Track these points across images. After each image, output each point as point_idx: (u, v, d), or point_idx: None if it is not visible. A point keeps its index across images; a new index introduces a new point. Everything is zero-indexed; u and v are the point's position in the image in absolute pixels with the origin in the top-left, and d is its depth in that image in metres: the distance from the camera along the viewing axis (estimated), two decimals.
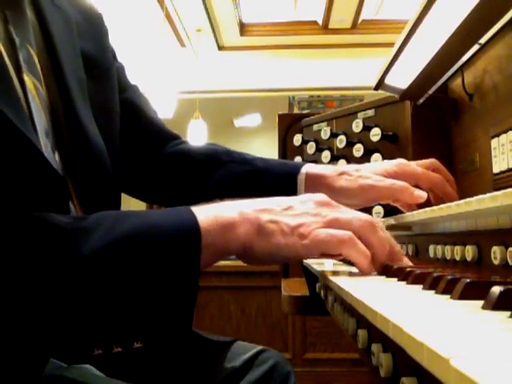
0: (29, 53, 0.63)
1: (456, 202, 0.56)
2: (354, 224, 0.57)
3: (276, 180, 0.83)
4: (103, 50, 0.80)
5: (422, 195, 0.79)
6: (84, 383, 0.59)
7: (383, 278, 0.58)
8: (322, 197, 0.60)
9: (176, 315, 0.51)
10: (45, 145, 0.61)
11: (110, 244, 0.49)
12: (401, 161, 0.86)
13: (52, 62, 0.67)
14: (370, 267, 0.57)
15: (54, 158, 0.63)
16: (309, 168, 0.83)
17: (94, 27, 0.79)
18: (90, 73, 0.73)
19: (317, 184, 0.82)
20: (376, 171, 0.83)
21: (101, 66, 0.78)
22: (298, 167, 0.83)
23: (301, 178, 0.82)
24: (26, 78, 0.61)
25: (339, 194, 0.80)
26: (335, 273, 0.65)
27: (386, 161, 0.88)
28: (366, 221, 0.58)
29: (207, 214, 0.53)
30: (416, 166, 0.86)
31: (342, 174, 0.82)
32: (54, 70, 0.67)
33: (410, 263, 0.63)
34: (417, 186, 0.83)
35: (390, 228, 0.89)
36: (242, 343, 0.82)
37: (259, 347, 0.81)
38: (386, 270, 0.59)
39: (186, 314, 0.51)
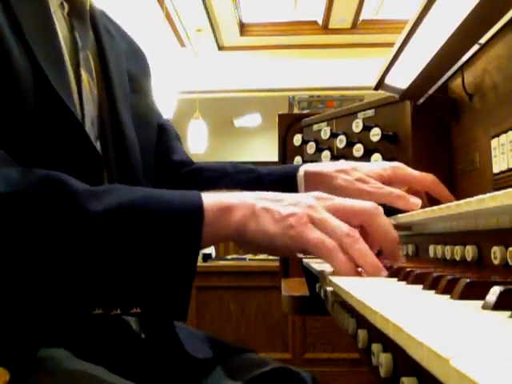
0: (87, 56, 0.75)
1: (456, 202, 0.56)
2: (341, 232, 0.58)
3: (277, 181, 0.87)
4: (145, 75, 0.92)
5: (417, 202, 0.81)
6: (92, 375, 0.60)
7: (383, 277, 0.58)
8: (320, 193, 0.63)
9: (175, 284, 0.53)
10: (89, 132, 0.69)
11: (119, 207, 0.54)
12: (397, 164, 0.88)
13: (103, 72, 0.77)
14: (350, 273, 0.57)
15: (96, 145, 0.71)
16: (307, 167, 0.87)
17: (137, 56, 0.92)
18: (133, 87, 0.83)
19: (316, 182, 0.85)
20: (372, 173, 0.84)
21: (142, 84, 0.88)
22: (296, 167, 0.87)
23: (300, 175, 0.85)
24: (83, 73, 0.71)
25: (337, 193, 0.82)
26: (335, 272, 0.65)
27: (383, 162, 0.90)
28: (348, 234, 0.58)
29: (211, 197, 0.58)
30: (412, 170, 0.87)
31: (339, 171, 0.84)
32: (105, 79, 0.77)
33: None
34: (411, 191, 0.85)
35: None
36: (253, 355, 0.83)
37: (277, 364, 0.79)
38: (386, 270, 0.59)
39: (185, 285, 0.54)
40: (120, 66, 0.82)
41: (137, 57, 0.91)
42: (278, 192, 0.63)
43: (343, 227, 0.59)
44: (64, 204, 0.52)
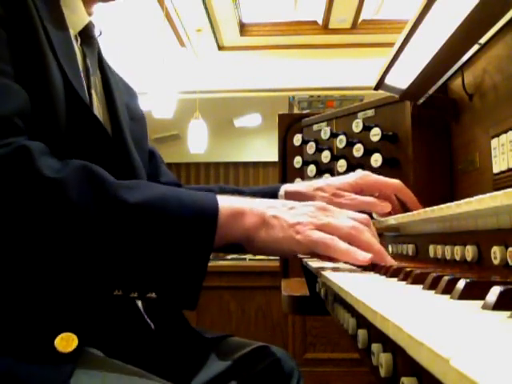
0: (96, 80, 0.83)
1: (456, 202, 0.56)
2: (343, 230, 0.66)
3: None
4: (137, 107, 1.00)
5: (387, 206, 0.92)
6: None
7: (383, 277, 0.58)
8: (321, 203, 0.69)
9: (189, 276, 0.59)
10: None
11: (151, 199, 0.60)
12: (364, 173, 0.99)
13: (107, 97, 0.85)
14: (355, 260, 0.64)
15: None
16: (287, 187, 0.98)
17: (131, 94, 1.01)
18: (130, 116, 0.91)
19: (296, 200, 0.90)
20: (344, 186, 0.95)
21: (136, 113, 0.96)
22: (277, 187, 0.98)
23: (281, 194, 0.96)
24: (94, 95, 0.80)
25: None
26: (335, 272, 0.65)
27: (351, 173, 1.00)
28: (353, 227, 0.66)
29: (226, 201, 0.64)
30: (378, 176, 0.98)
31: (316, 189, 0.95)
32: (108, 103, 0.84)
33: (394, 262, 0.67)
34: (381, 197, 0.95)
35: (390, 229, 0.89)
36: (238, 339, 0.90)
37: (259, 343, 0.88)
38: (386, 269, 0.59)
39: (197, 277, 0.60)
40: (120, 94, 0.90)
41: (129, 91, 1.01)
42: None
43: (347, 223, 0.66)
44: (104, 192, 0.59)
